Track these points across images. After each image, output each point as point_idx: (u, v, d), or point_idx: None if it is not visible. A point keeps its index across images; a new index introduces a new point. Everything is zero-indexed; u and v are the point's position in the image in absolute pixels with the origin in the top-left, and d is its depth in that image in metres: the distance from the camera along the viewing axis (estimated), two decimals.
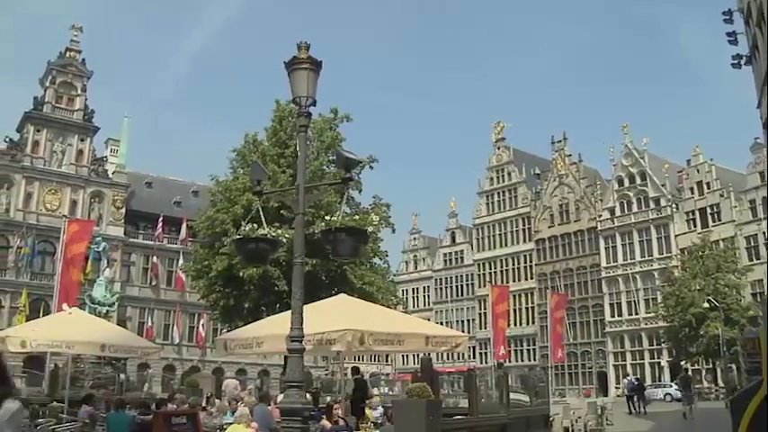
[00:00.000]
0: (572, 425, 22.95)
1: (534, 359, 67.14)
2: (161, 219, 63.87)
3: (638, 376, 46.70)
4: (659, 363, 59.95)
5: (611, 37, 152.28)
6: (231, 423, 12.52)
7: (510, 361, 52.17)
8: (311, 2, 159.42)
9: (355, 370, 20.08)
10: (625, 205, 65.10)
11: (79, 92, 63.10)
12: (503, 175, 76.24)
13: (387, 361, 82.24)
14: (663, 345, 57.58)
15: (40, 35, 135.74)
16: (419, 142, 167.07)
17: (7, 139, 60.55)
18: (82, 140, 62.70)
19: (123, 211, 63.24)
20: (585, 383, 63.65)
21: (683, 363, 51.78)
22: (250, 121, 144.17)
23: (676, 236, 60.64)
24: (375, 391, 52.56)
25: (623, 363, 62.52)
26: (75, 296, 28.08)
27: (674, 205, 61.54)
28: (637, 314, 62.07)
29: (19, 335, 15.29)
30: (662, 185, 62.59)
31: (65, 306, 18.66)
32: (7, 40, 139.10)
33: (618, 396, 45.16)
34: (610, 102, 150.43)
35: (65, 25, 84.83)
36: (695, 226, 59.57)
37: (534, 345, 68.58)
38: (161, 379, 52.75)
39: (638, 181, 64.38)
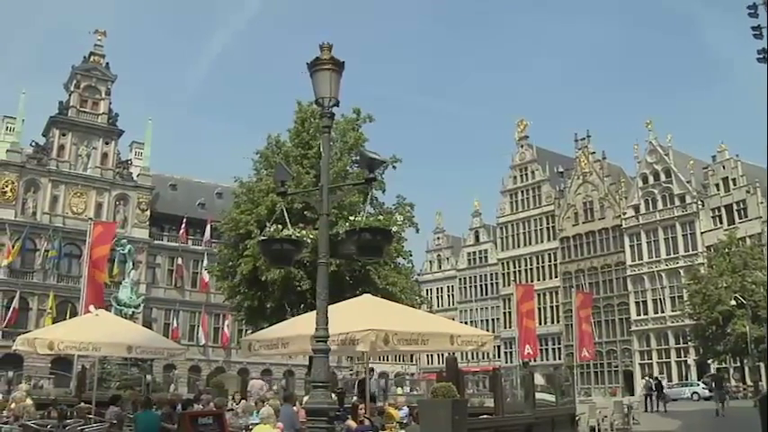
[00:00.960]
0: (598, 424, 22.86)
1: (559, 358, 66.82)
2: (185, 220, 64.27)
3: (657, 377, 46.28)
4: (686, 361, 59.42)
5: (634, 33, 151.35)
6: (257, 423, 12.56)
7: (535, 360, 51.93)
8: (332, 3, 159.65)
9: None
10: (650, 202, 64.61)
11: (103, 96, 63.72)
12: (526, 174, 75.95)
13: (411, 361, 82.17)
14: (689, 343, 57.06)
15: (65, 40, 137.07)
16: (442, 141, 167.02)
17: (33, 144, 61.30)
18: (106, 144, 63.30)
19: (148, 213, 63.69)
20: (611, 382, 63.27)
21: (710, 361, 51.34)
22: (272, 123, 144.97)
23: (702, 233, 60.10)
24: (398, 390, 52.83)
25: (649, 361, 62.10)
26: (102, 298, 28.30)
27: (699, 202, 60.99)
28: (663, 312, 61.60)
29: (47, 337, 15.41)
30: (687, 182, 62.05)
31: (91, 308, 18.76)
32: (33, 46, 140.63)
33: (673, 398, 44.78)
34: (633, 98, 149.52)
35: (89, 30, 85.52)
36: (721, 223, 59.03)
37: (559, 344, 68.27)
38: (187, 380, 53.07)
39: (663, 178, 63.86)
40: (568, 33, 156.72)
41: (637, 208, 65.38)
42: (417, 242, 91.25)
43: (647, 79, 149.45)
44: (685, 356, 59.57)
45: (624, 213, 65.97)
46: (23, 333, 20.93)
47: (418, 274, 45.43)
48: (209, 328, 64.67)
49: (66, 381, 38.03)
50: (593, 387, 61.86)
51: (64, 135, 61.56)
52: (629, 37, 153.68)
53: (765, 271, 47.61)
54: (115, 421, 14.03)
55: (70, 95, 62.56)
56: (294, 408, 12.48)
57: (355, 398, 17.61)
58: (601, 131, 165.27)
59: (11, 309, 55.09)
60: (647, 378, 39.31)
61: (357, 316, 11.90)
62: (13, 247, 55.85)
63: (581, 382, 58.18)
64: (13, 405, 15.77)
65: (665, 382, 42.91)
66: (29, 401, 16.44)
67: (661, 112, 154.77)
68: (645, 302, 63.49)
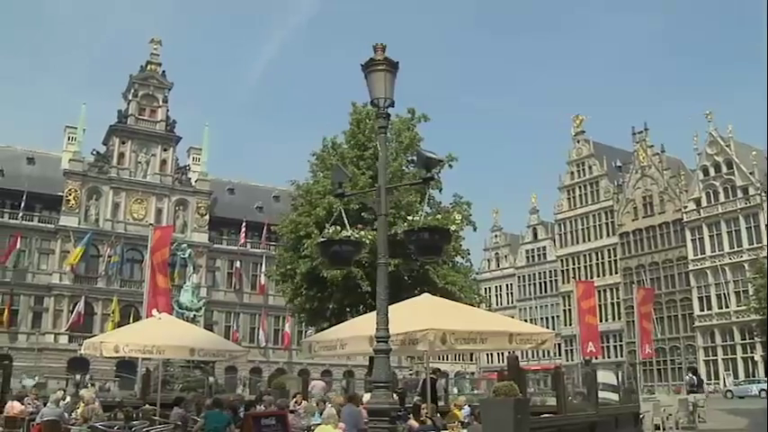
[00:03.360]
0: (663, 422, 22.43)
1: (621, 355, 65.91)
2: (244, 224, 64.96)
3: (698, 374, 45.26)
4: (752, 358, 58.07)
5: (690, 21, 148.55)
6: (319, 424, 12.61)
7: (597, 358, 51.24)
8: (385, 3, 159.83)
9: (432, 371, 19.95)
10: (711, 195, 63.32)
11: (161, 103, 64.92)
12: (583, 169, 75.11)
13: (471, 360, 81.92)
14: (756, 339, 55.80)
15: (123, 51, 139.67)
16: (497, 139, 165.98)
17: (95, 153, 62.64)
18: (165, 150, 64.47)
19: (207, 217, 64.63)
20: (675, 380, 62.13)
21: None
22: (328, 124, 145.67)
23: (767, 225, 58.72)
24: (456, 390, 52.65)
25: (714, 358, 60.91)
26: (164, 302, 28.67)
27: (763, 193, 59.55)
28: (727, 308, 60.31)
29: (112, 340, 15.66)
30: (750, 173, 60.66)
31: (154, 312, 19.01)
32: (92, 58, 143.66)
33: (710, 393, 43.89)
34: (691, 89, 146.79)
35: (145, 39, 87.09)
36: None
37: (621, 341, 67.36)
38: (247, 381, 53.63)
39: (725, 170, 62.51)
40: (622, 24, 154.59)
41: (698, 201, 64.11)
42: (475, 241, 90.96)
43: (704, 68, 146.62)
44: (752, 352, 58.19)
45: (685, 207, 64.76)
46: (89, 337, 21.28)
47: (476, 273, 45.14)
48: (269, 329, 65.32)
49: (130, 383, 38.75)
50: (657, 384, 60.83)
51: (123, 143, 62.88)
52: (685, 26, 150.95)
53: None
54: (179, 422, 14.19)
55: (129, 104, 63.85)
56: (358, 408, 12.49)
57: (417, 398, 17.58)
58: (659, 124, 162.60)
59: (77, 314, 56.43)
60: (689, 375, 38.56)
61: (416, 315, 11.86)
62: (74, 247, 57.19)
63: (644, 379, 57.23)
64: (81, 407, 16.06)
65: (729, 380, 41.97)
66: (96, 404, 16.74)
67: (721, 102, 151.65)
68: (708, 298, 62.27)
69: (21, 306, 57.41)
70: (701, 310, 62.45)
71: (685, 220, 64.51)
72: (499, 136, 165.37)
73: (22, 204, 57.78)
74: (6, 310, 55.74)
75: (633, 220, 69.18)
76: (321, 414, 13.86)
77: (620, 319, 67.71)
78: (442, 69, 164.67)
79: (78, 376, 42.90)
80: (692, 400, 25.13)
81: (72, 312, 57.05)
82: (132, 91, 64.00)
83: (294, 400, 18.57)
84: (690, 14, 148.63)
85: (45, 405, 16.05)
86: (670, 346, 63.45)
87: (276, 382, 29.47)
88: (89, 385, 36.14)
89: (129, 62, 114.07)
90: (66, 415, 15.18)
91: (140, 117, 63.89)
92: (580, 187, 75.19)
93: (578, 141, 75.95)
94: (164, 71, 65.66)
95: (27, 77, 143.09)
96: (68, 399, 17.50)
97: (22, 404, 17.36)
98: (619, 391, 17.06)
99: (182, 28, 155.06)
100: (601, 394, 14.61)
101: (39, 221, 59.23)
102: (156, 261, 27.44)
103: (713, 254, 62.22)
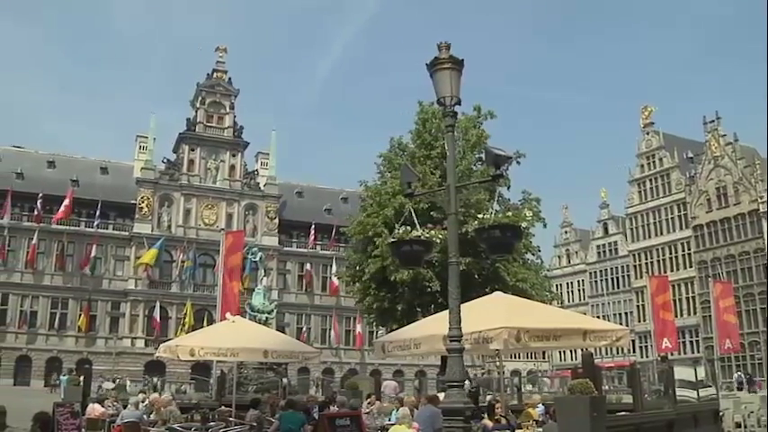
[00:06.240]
0: (744, 420, 21.82)
1: (697, 351, 64.41)
2: (313, 226, 65.48)
3: (749, 373, 43.87)
4: None
5: (760, 4, 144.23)
6: (392, 424, 12.61)
7: (673, 354, 50.24)
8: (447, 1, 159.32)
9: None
10: None
11: (228, 110, 65.95)
12: (653, 162, 73.63)
13: (544, 358, 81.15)
14: None
15: (189, 60, 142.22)
16: (564, 133, 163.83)
17: (165, 161, 63.95)
18: (233, 156, 65.45)
19: (276, 221, 65.35)
20: (755, 376, 60.53)
21: None
22: (394, 125, 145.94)
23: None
24: (529, 386, 52.12)
25: None
26: (236, 305, 29.06)
27: None
28: None
29: (188, 344, 15.90)
30: None
31: (228, 315, 19.29)
32: (161, 68, 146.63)
33: None
34: (762, 75, 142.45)
35: (211, 47, 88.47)
36: None
37: (697, 336, 65.82)
38: (320, 382, 54.07)
39: None
40: (689, 9, 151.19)
41: None
42: (545, 237, 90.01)
43: None
44: None
45: (761, 197, 62.97)
46: (164, 341, 21.69)
47: (547, 270, 44.70)
48: (340, 330, 65.72)
49: (205, 385, 39.37)
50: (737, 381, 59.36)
51: (193, 150, 64.04)
52: (756, 10, 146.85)
53: None
54: (255, 424, 14.37)
55: (196, 112, 65.00)
56: (437, 409, 12.45)
57: (490, 396, 17.47)
58: (731, 112, 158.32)
59: (152, 318, 57.74)
60: (739, 373, 37.58)
61: (489, 314, 11.78)
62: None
63: (723, 376, 55.91)
64: (161, 409, 16.38)
65: None
66: (174, 406, 17.05)
67: None
68: None
69: (98, 311, 59.08)
70: None
71: (762, 210, 62.69)
72: (566, 131, 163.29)
73: (97, 213, 59.32)
74: (85, 316, 57.40)
75: (707, 212, 67.53)
76: (396, 414, 13.86)
77: (695, 313, 66.19)
78: (508, 64, 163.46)
79: (156, 379, 43.79)
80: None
81: (147, 317, 58.45)
82: (200, 99, 65.14)
83: (368, 401, 18.64)
84: None
85: (125, 407, 16.44)
86: (749, 341, 61.75)
87: (349, 383, 29.60)
88: (165, 388, 36.85)
89: (196, 71, 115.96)
90: (145, 417, 15.51)
91: (208, 124, 64.99)
92: (651, 180, 73.72)
93: (648, 133, 74.44)
94: (230, 78, 66.71)
95: (100, 90, 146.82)
96: (147, 401, 17.86)
97: (103, 407, 17.78)
98: (697, 388, 16.69)
99: (246, 34, 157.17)
100: (678, 391, 14.31)
101: (113, 229, 60.80)
102: (229, 265, 27.80)
103: None
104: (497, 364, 21.26)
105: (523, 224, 10.49)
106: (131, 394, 28.06)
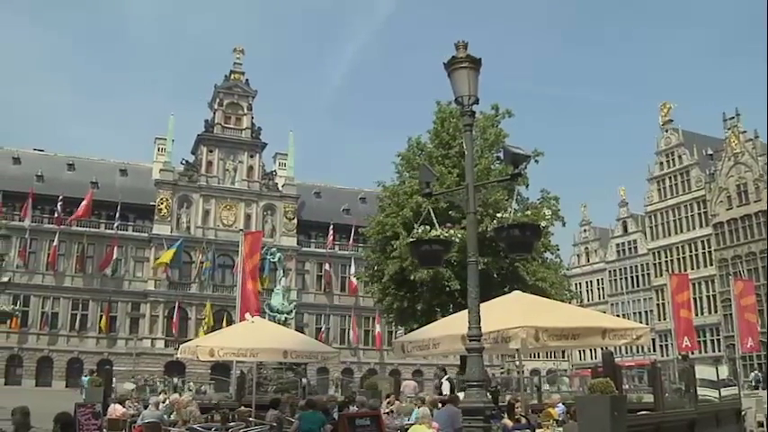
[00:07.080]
0: (767, 419, 21.65)
1: (719, 350, 63.94)
2: (331, 227, 65.56)
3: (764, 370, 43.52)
4: None
5: None
6: (412, 424, 12.60)
7: (693, 353, 49.94)
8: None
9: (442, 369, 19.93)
10: None
11: (245, 111, 66.18)
12: (673, 159, 73.13)
13: (563, 357, 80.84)
14: None
15: (207, 61, 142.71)
16: (582, 131, 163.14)
17: (184, 162, 64.25)
18: (251, 157, 65.68)
19: (295, 221, 65.47)
20: None
21: None
22: (411, 125, 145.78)
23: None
24: (546, 386, 51.93)
25: None
26: (255, 306, 29.18)
27: None
28: None
29: (208, 344, 15.97)
30: None
31: (247, 315, 19.37)
32: (177, 71, 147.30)
33: None
34: None
35: (228, 48, 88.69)
36: None
37: (718, 335, 65.32)
38: (339, 382, 54.14)
39: None
40: (707, 9, 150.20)
41: None
42: (564, 236, 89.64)
43: None
44: None
45: None
46: (184, 342, 21.81)
47: (566, 269, 44.52)
48: (359, 330, 65.76)
49: (224, 385, 39.47)
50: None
51: (211, 151, 64.34)
52: None
53: None
54: (275, 424, 14.40)
55: (214, 113, 65.28)
56: (457, 409, 12.45)
57: (510, 396, 17.43)
58: (750, 109, 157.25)
59: (172, 319, 58.05)
60: (755, 372, 37.29)
61: (509, 313, 11.76)
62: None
63: (745, 374, 55.52)
64: (181, 409, 16.45)
65: None
66: (194, 406, 17.12)
67: None
68: None
69: (119, 312, 59.51)
70: None
71: None
72: (585, 129, 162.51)
73: (117, 215, 59.65)
74: (105, 317, 57.81)
75: (727, 210, 67.01)
76: (416, 413, 13.86)
77: (716, 312, 65.68)
78: (525, 62, 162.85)
79: (176, 379, 43.95)
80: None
81: (167, 318, 58.78)
82: (217, 100, 65.42)
83: (387, 400, 18.64)
84: None
85: (146, 408, 16.53)
86: None
87: (368, 383, 29.66)
88: (185, 388, 36.95)
89: (214, 72, 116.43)
90: (165, 417, 15.59)
91: (226, 125, 65.25)
92: (670, 178, 73.23)
93: (667, 130, 73.94)
94: (247, 79, 66.92)
95: (118, 93, 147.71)
96: (168, 401, 17.95)
97: (124, 407, 17.90)
98: (719, 387, 16.52)
99: (263, 36, 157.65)
100: (700, 390, 14.18)
101: (133, 231, 61.18)
102: (248, 266, 27.94)
103: None
104: (517, 363, 21.24)
105: (542, 223, 10.47)
106: (154, 393, 28.20)
